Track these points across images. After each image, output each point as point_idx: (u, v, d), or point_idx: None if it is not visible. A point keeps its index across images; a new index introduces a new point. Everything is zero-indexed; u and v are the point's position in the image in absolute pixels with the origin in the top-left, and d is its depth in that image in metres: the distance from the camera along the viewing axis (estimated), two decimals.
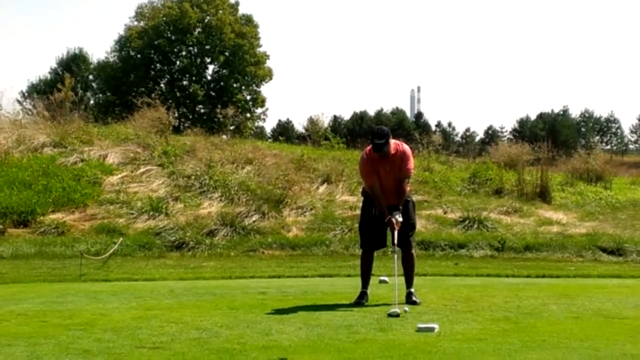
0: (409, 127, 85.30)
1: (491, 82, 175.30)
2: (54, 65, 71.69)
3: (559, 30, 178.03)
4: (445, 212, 24.09)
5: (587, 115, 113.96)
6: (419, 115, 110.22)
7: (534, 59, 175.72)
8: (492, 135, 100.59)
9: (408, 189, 10.19)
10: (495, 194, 27.22)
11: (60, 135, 27.31)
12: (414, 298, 9.85)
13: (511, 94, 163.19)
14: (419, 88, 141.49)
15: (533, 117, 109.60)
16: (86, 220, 21.68)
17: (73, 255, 18.10)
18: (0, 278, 14.68)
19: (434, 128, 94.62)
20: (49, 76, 69.31)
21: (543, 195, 27.08)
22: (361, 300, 9.83)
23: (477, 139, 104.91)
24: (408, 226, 10.10)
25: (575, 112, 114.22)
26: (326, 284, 13.03)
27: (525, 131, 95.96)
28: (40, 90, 57.65)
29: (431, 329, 7.68)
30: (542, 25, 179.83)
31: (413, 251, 10.44)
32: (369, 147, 10.01)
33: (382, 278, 13.12)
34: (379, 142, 9.71)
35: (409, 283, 10.11)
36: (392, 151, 9.89)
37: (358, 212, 23.05)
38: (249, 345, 6.98)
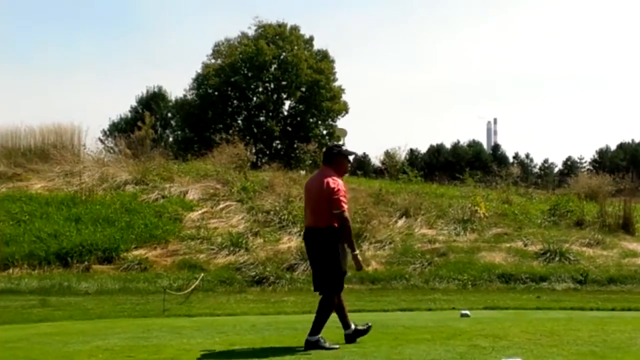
0: (486, 159, 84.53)
1: (568, 112, 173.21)
2: (134, 103, 72.66)
3: (637, 58, 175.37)
4: (525, 245, 23.85)
5: None
6: (496, 148, 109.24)
7: (613, 88, 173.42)
8: (571, 166, 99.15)
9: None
10: (576, 225, 26.80)
11: (141, 173, 27.82)
12: (310, 344, 9.01)
13: (589, 123, 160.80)
14: (495, 120, 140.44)
15: (613, 147, 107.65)
16: (168, 256, 21.99)
17: (156, 290, 18.37)
18: (86, 314, 14.97)
19: (511, 160, 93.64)
20: (129, 115, 70.29)
21: (626, 226, 26.56)
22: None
23: (556, 170, 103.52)
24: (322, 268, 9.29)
25: None
26: (407, 318, 12.98)
27: (605, 161, 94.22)
28: (121, 129, 58.59)
29: None
30: (619, 53, 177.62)
31: (330, 295, 9.23)
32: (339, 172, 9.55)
33: (463, 312, 13.06)
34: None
35: (312, 328, 9.13)
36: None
37: (437, 245, 23.25)
38: None
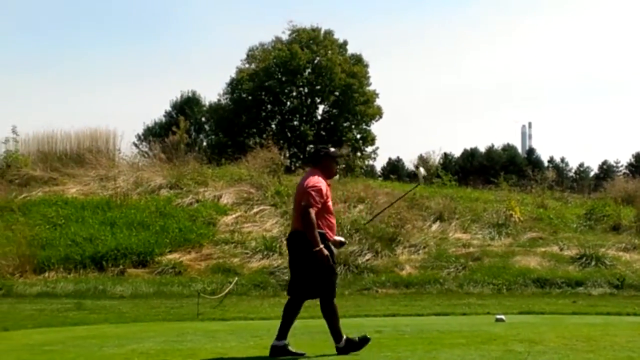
0: (521, 163, 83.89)
1: (604, 115, 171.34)
2: (168, 108, 72.80)
3: None
4: (561, 249, 23.67)
5: None
6: (530, 152, 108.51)
7: None
8: (607, 170, 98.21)
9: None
10: (612, 230, 26.55)
11: (175, 177, 27.96)
12: (341, 349, 8.90)
13: (625, 127, 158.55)
14: (530, 124, 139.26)
15: None
16: (202, 260, 22.08)
17: (190, 294, 18.45)
18: (122, 317, 15.06)
19: (546, 164, 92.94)
20: (163, 119, 70.48)
21: None
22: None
23: (592, 174, 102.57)
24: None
25: None
26: (441, 323, 12.92)
27: None
28: (156, 133, 58.81)
29: None
30: None
31: (327, 300, 9.22)
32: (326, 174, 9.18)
33: (498, 316, 13.00)
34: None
35: (333, 337, 9.05)
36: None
37: (472, 249, 23.13)
38: None
